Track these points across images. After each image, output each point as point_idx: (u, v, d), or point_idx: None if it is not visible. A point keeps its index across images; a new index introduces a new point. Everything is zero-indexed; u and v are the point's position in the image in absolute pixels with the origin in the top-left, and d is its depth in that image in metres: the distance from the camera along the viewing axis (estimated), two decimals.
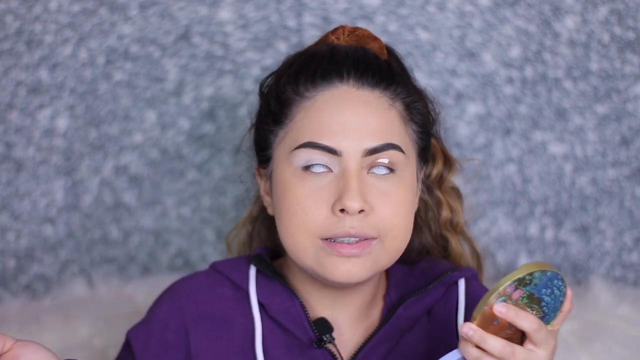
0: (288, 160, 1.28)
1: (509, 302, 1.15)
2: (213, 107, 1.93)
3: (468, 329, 1.15)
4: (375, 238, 1.27)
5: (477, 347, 1.15)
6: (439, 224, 1.47)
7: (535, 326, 1.15)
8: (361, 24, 1.90)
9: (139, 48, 1.91)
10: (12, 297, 1.90)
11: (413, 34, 1.92)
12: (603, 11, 1.91)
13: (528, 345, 1.16)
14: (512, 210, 1.96)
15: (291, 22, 1.91)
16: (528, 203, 1.95)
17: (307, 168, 1.26)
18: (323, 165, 1.26)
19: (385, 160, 1.27)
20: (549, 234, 1.96)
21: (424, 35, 1.92)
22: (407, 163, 1.29)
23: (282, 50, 1.90)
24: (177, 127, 1.93)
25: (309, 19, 1.91)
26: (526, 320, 1.15)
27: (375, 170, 1.27)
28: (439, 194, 1.46)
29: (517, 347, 1.15)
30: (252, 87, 1.91)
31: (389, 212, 1.27)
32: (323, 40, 1.39)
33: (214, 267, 1.41)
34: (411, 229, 1.32)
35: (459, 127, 1.92)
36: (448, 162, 1.47)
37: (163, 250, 1.96)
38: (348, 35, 1.38)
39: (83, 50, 1.91)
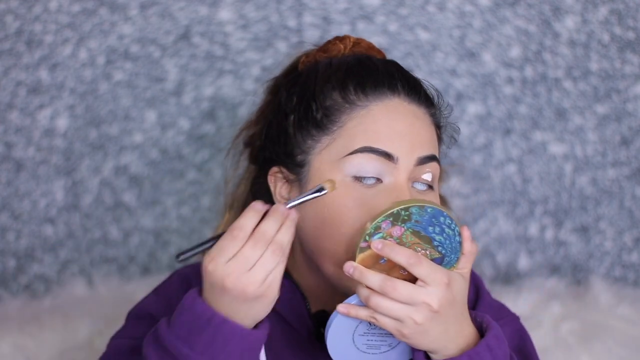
0: (336, 167, 1.27)
1: (390, 239, 1.14)
2: (213, 107, 1.93)
3: (349, 267, 1.15)
4: None
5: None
6: None
7: (413, 260, 1.13)
8: (361, 24, 1.90)
9: (139, 48, 1.92)
10: (12, 297, 1.90)
11: (413, 34, 1.92)
12: (603, 11, 1.91)
13: (418, 282, 1.14)
14: (512, 210, 1.96)
15: (291, 22, 1.92)
16: (528, 203, 1.95)
17: (357, 179, 1.25)
18: (374, 177, 1.25)
19: (429, 177, 1.28)
20: (549, 234, 1.96)
21: (424, 35, 1.92)
22: (438, 177, 1.31)
23: (282, 50, 1.90)
24: (177, 127, 1.93)
25: (309, 19, 1.91)
26: (402, 255, 1.13)
27: (417, 185, 1.28)
28: None
29: (399, 281, 1.13)
30: (252, 87, 1.91)
31: None
32: (331, 48, 1.39)
33: None
34: None
35: (459, 127, 1.92)
36: None
37: (163, 250, 1.96)
38: (353, 46, 1.38)
39: (83, 50, 1.91)
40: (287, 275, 1.35)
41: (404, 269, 1.15)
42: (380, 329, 1.19)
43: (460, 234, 1.16)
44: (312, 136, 1.29)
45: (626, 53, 1.92)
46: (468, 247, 1.18)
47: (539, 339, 1.64)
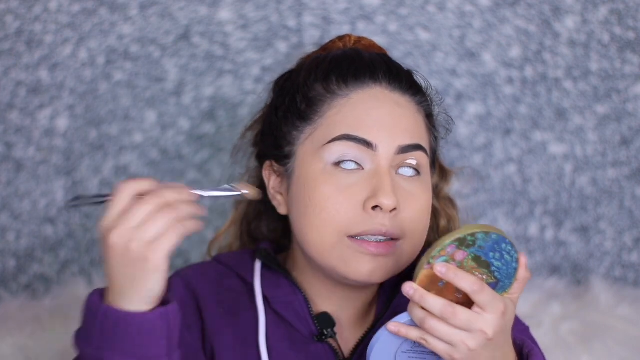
0: (318, 156, 1.27)
1: (452, 263, 1.14)
2: (213, 107, 1.93)
3: (409, 288, 1.15)
4: (399, 239, 1.27)
5: (424, 309, 1.15)
6: (437, 233, 1.48)
7: (477, 287, 1.12)
8: (361, 24, 1.90)
9: (139, 48, 1.92)
10: (12, 297, 1.90)
11: (413, 34, 1.92)
12: (603, 11, 1.91)
13: (474, 308, 1.14)
14: (512, 210, 1.96)
15: (291, 22, 1.92)
16: (528, 203, 1.95)
17: (337, 164, 1.26)
18: (354, 162, 1.26)
19: (414, 162, 1.28)
20: (549, 234, 1.96)
21: (424, 35, 1.92)
22: (428, 167, 1.31)
23: (282, 50, 1.90)
24: (177, 127, 1.93)
25: (309, 19, 1.91)
26: (466, 281, 1.13)
27: (402, 171, 1.28)
28: (436, 203, 1.47)
29: (459, 308, 1.13)
30: (252, 87, 1.91)
31: (413, 213, 1.28)
32: (330, 46, 1.39)
33: (218, 259, 1.41)
34: (427, 232, 1.33)
35: (459, 127, 1.92)
36: (444, 173, 1.48)
37: None
38: (354, 44, 1.38)
39: (83, 50, 1.91)
40: (288, 276, 1.36)
41: (459, 292, 1.15)
42: (423, 347, 1.18)
43: (517, 260, 1.17)
44: (297, 127, 1.31)
45: (626, 53, 1.92)
46: (523, 274, 1.18)
47: (539, 339, 1.63)
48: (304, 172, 1.29)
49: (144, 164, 1.94)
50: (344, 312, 1.35)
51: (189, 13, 1.91)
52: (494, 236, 1.14)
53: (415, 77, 1.35)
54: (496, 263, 1.16)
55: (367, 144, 1.25)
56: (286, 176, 1.33)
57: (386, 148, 1.26)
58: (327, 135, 1.27)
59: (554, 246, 1.96)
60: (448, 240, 1.14)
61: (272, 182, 1.36)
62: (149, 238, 1.06)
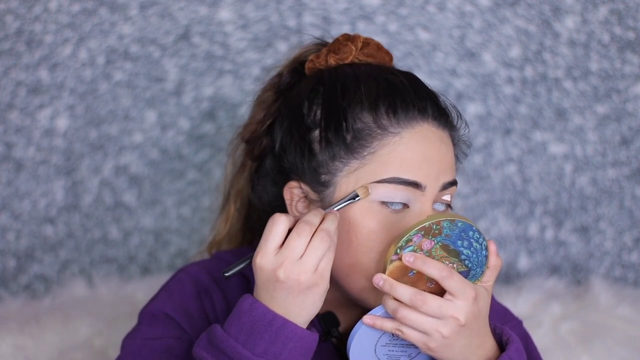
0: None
1: (420, 252, 1.15)
2: (213, 107, 1.93)
3: (379, 279, 1.16)
4: None
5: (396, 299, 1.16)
6: None
7: (445, 273, 1.14)
8: (361, 24, 1.90)
9: (139, 48, 1.92)
10: (12, 297, 1.90)
11: (413, 34, 1.92)
12: (603, 11, 1.91)
13: (445, 295, 1.15)
14: (512, 210, 1.96)
15: (291, 22, 1.92)
16: (528, 203, 1.95)
17: (384, 203, 1.25)
18: (401, 202, 1.25)
19: (448, 199, 1.29)
20: (549, 234, 1.96)
21: (424, 35, 1.92)
22: None
23: (282, 50, 1.90)
24: (177, 127, 1.93)
25: (309, 19, 1.91)
26: (435, 268, 1.14)
27: (436, 206, 1.28)
28: None
29: (429, 295, 1.14)
30: (252, 87, 1.91)
31: None
32: (342, 48, 1.36)
33: (219, 257, 1.40)
34: None
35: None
36: None
37: (163, 250, 1.96)
38: (363, 46, 1.37)
39: (83, 50, 1.91)
40: None
41: (431, 282, 1.16)
42: (403, 339, 1.19)
43: (487, 248, 1.18)
44: (341, 158, 1.26)
45: (626, 53, 1.92)
46: (494, 261, 1.20)
47: (539, 339, 1.64)
48: (347, 207, 1.26)
49: (144, 164, 1.94)
50: (348, 312, 1.35)
51: (189, 13, 1.91)
52: (460, 224, 1.15)
53: (444, 105, 1.34)
54: (465, 251, 1.17)
55: (416, 185, 1.25)
56: (319, 204, 1.29)
57: (432, 187, 1.26)
58: (377, 174, 1.25)
59: (554, 246, 1.96)
60: (413, 229, 1.15)
61: (297, 204, 1.31)
62: (314, 266, 1.15)
